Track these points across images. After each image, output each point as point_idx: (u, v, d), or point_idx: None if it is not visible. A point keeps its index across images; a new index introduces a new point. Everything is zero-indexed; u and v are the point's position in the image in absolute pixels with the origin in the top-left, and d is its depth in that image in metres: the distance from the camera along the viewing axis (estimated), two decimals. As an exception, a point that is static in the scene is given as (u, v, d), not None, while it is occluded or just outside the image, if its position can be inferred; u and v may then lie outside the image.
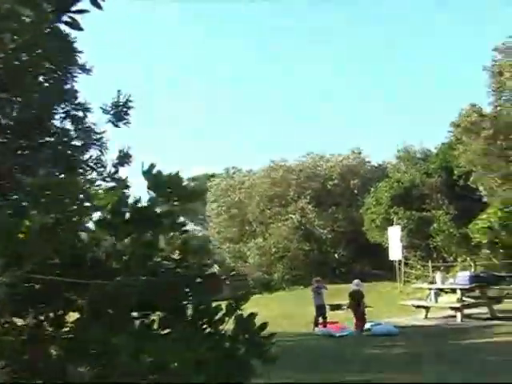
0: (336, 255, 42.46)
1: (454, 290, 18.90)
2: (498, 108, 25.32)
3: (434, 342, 15.11)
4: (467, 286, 18.53)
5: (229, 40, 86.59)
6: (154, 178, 3.28)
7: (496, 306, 19.00)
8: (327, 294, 19.51)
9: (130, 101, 4.51)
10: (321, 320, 18.41)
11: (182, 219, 3.58)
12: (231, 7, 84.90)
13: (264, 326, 3.20)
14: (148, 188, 3.28)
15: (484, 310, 18.93)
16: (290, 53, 79.51)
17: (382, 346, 14.84)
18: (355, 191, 42.35)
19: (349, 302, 17.05)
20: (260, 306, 32.44)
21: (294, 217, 41.52)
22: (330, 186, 42.83)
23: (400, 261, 30.91)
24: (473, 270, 23.61)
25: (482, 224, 25.49)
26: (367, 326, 17.24)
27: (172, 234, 3.55)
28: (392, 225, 30.68)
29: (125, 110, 4.73)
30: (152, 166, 3.28)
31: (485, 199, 26.49)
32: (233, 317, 3.20)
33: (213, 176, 55.18)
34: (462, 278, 18.93)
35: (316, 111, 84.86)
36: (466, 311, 18.63)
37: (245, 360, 3.15)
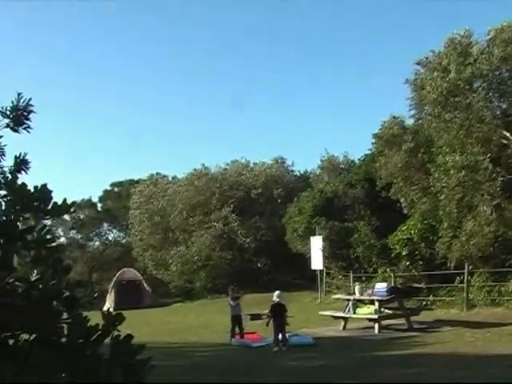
0: (258, 264, 42.40)
1: (372, 302, 18.93)
2: (420, 121, 25.56)
3: (350, 353, 15.07)
4: (385, 298, 18.60)
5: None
6: (18, 191, 2.96)
7: (413, 318, 19.16)
8: (248, 302, 19.15)
9: (31, 105, 4.14)
10: (237, 330, 18.10)
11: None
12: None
13: (140, 349, 2.91)
14: (8, 201, 2.96)
15: (402, 321, 19.06)
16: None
17: (299, 358, 14.68)
18: (278, 200, 42.40)
19: (270, 314, 16.75)
20: (180, 314, 31.99)
21: (217, 225, 41.26)
22: (254, 195, 42.79)
23: (322, 271, 31.00)
24: (392, 281, 23.82)
25: (402, 236, 25.74)
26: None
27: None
28: (314, 235, 30.74)
29: (25, 114, 4.33)
30: (15, 177, 2.96)
31: (405, 211, 26.68)
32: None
33: (137, 182, 54.53)
34: (379, 289, 18.98)
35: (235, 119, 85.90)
36: (384, 322, 18.71)
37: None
